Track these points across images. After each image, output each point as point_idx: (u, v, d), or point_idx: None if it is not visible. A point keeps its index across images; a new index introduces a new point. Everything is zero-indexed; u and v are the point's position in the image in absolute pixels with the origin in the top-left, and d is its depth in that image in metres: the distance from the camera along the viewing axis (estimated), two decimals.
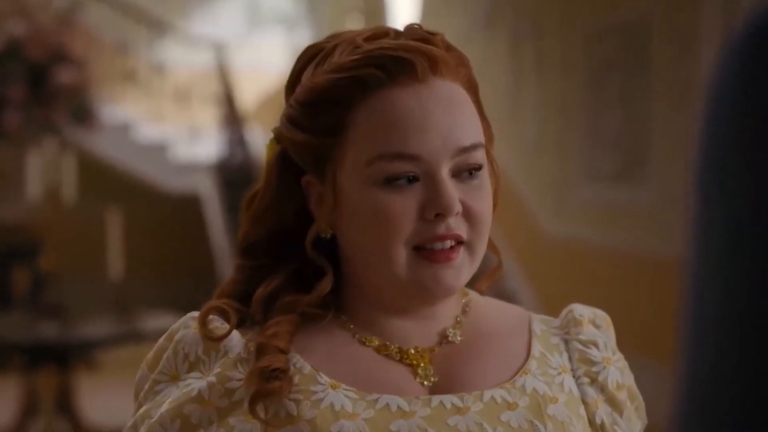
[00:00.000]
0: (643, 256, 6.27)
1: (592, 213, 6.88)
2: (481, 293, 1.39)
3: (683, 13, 6.01)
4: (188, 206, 9.46)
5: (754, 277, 0.61)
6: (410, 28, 1.29)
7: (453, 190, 1.24)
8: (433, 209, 1.23)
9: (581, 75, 6.99)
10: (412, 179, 1.23)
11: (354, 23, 10.94)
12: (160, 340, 1.32)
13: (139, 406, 1.31)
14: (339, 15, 11.24)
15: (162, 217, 9.82)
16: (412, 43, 1.25)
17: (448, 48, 1.29)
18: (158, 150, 9.53)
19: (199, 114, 9.74)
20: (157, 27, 9.92)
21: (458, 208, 1.24)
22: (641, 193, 6.32)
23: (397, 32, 1.28)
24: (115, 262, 6.19)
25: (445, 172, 1.24)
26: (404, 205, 1.23)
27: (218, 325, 1.29)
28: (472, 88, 1.30)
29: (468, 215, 1.25)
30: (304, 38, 11.13)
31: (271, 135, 1.33)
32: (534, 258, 7.18)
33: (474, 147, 1.25)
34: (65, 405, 6.05)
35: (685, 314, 0.67)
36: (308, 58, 1.30)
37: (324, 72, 1.26)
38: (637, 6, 6.46)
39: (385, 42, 1.26)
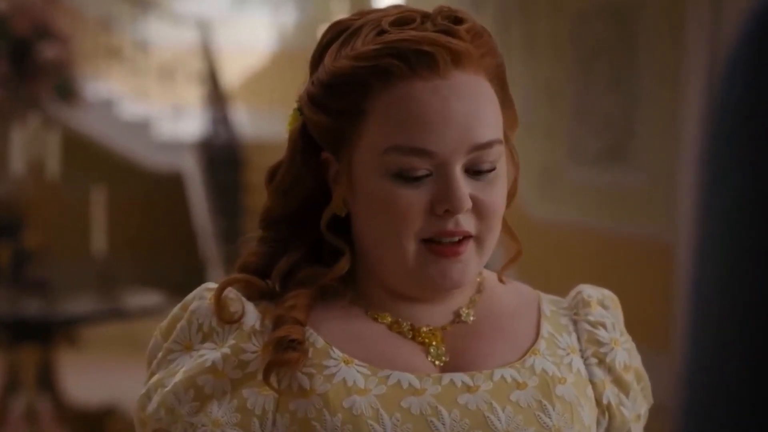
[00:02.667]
0: (631, 239, 6.28)
1: (579, 195, 6.89)
2: (502, 281, 1.39)
3: None
4: (172, 184, 9.43)
5: (757, 268, 0.61)
6: (439, 11, 1.27)
7: (464, 187, 1.24)
8: (443, 205, 1.24)
9: (569, 56, 6.99)
10: (424, 175, 1.24)
11: (340, 2, 10.90)
12: (175, 309, 1.33)
13: (152, 374, 1.31)
14: None
15: (145, 194, 9.79)
16: (435, 35, 1.24)
17: (476, 36, 1.27)
18: (142, 127, 9.50)
19: (183, 92, 9.70)
20: (141, 4, 9.87)
21: (468, 205, 1.24)
22: (629, 176, 6.33)
23: (424, 17, 1.27)
24: (99, 239, 6.17)
25: (458, 168, 1.24)
26: (415, 199, 1.24)
27: (234, 298, 1.29)
28: (499, 76, 1.30)
29: (478, 210, 1.26)
30: (289, 18, 11.09)
31: (294, 107, 1.33)
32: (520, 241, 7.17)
33: (490, 144, 1.26)
34: (47, 382, 6.04)
35: (687, 302, 0.67)
36: (334, 35, 1.29)
37: (347, 57, 1.26)
38: None
39: (409, 32, 1.24)
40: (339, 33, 1.29)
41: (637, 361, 1.39)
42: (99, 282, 6.12)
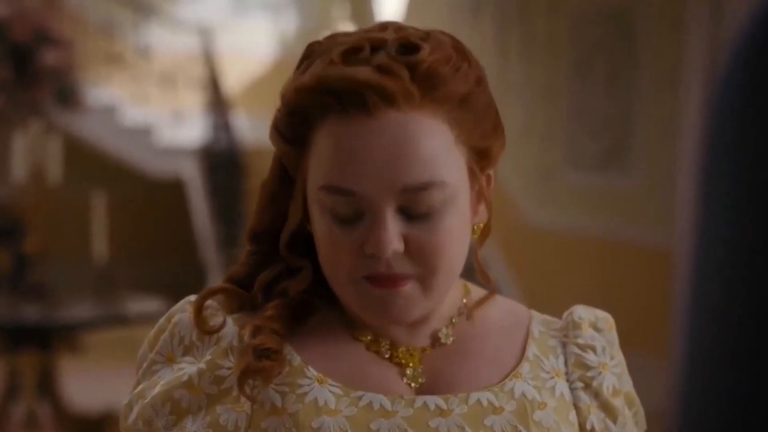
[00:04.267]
0: (628, 242, 6.27)
1: (576, 199, 6.88)
2: (469, 320, 1.35)
3: None
4: (172, 190, 9.44)
5: (756, 269, 0.60)
6: (396, 40, 1.23)
7: (390, 231, 1.21)
8: (368, 248, 1.22)
9: (567, 60, 6.99)
10: (357, 214, 1.22)
11: (341, 9, 10.91)
12: (161, 319, 1.33)
13: (137, 384, 1.32)
14: (326, 1, 11.22)
15: (146, 200, 9.79)
16: (368, 76, 1.20)
17: (429, 71, 1.21)
18: (143, 133, 9.50)
19: (184, 98, 9.71)
20: (143, 9, 9.88)
21: (392, 248, 1.21)
22: (627, 179, 6.33)
23: (376, 46, 1.23)
24: (99, 245, 6.17)
25: (388, 209, 1.21)
26: (347, 240, 1.23)
27: (213, 311, 1.30)
28: (466, 106, 1.24)
29: (414, 251, 1.23)
30: (290, 24, 11.11)
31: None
32: (516, 246, 7.17)
33: (425, 186, 1.21)
34: (47, 387, 6.04)
35: (685, 304, 0.66)
36: (302, 57, 1.29)
37: (293, 87, 1.25)
38: None
39: (345, 70, 1.21)
40: (305, 57, 1.29)
41: (628, 385, 1.36)
42: (99, 287, 6.12)
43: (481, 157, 1.27)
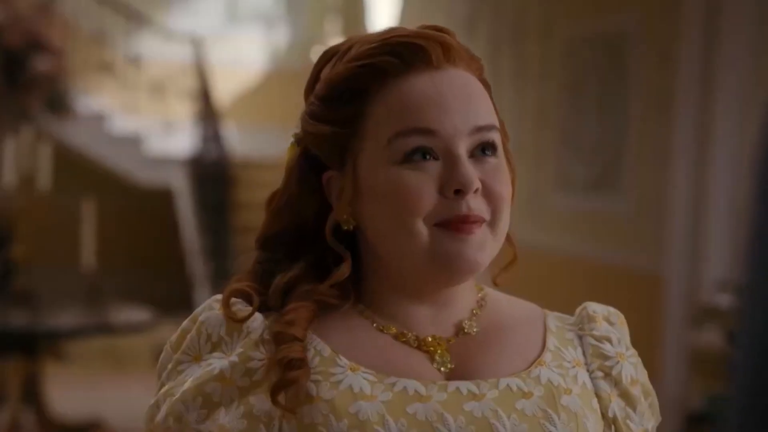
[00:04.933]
0: (618, 267, 6.28)
1: (566, 223, 6.89)
2: (497, 286, 1.41)
3: (662, 24, 6.04)
4: (161, 200, 9.43)
5: None
6: (423, 25, 1.33)
7: (471, 167, 1.27)
8: (452, 185, 1.26)
9: (559, 82, 7.01)
10: (430, 156, 1.27)
11: (333, 23, 10.93)
12: (185, 322, 1.35)
13: (162, 386, 1.33)
14: (318, 14, 11.23)
15: (135, 209, 9.79)
16: (426, 31, 1.30)
17: (460, 44, 1.33)
18: (132, 142, 9.49)
19: (175, 108, 9.71)
20: (135, 19, 9.88)
21: (477, 184, 1.26)
22: (617, 203, 6.34)
23: (411, 29, 1.32)
24: (87, 253, 6.16)
25: (462, 149, 1.27)
26: (423, 180, 1.26)
27: (241, 307, 1.31)
28: (485, 84, 1.34)
29: (487, 194, 1.28)
30: (282, 36, 11.11)
31: (292, 139, 1.37)
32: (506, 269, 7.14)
33: (489, 127, 1.29)
34: (32, 395, 6.01)
35: (739, 331, 0.66)
36: (326, 60, 1.35)
37: (343, 64, 1.30)
38: (616, 16, 6.49)
39: (401, 31, 1.30)
40: (331, 56, 1.34)
41: (643, 376, 1.40)
42: (86, 296, 6.11)
43: (501, 134, 1.34)
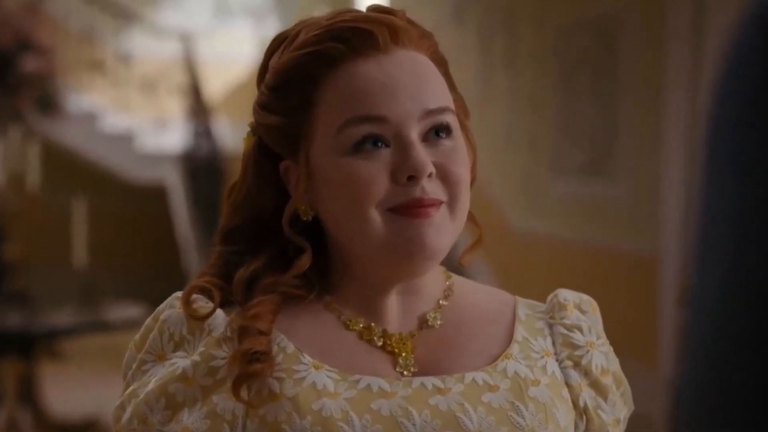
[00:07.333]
0: (614, 251, 6.28)
1: (562, 208, 6.89)
2: (463, 267, 1.38)
3: (652, 9, 6.04)
4: (154, 197, 9.42)
5: (759, 273, 0.59)
6: (371, 6, 1.31)
7: (423, 152, 1.24)
8: (405, 172, 1.23)
9: (551, 69, 7.01)
10: (381, 144, 1.24)
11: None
12: (147, 320, 1.33)
13: (127, 386, 1.31)
14: (307, 7, 11.22)
15: (127, 207, 9.77)
16: (371, 14, 1.28)
17: (410, 22, 1.30)
18: (124, 140, 9.49)
19: (166, 104, 9.69)
20: (124, 16, 9.86)
21: (430, 168, 1.24)
22: (612, 188, 6.34)
23: (358, 10, 1.30)
24: (80, 252, 6.16)
25: (414, 135, 1.24)
26: (375, 169, 1.24)
27: (202, 304, 1.29)
28: (440, 61, 1.32)
29: (443, 177, 1.26)
30: (272, 30, 11.10)
31: (248, 129, 1.35)
32: (502, 254, 7.18)
33: (441, 110, 1.27)
34: (28, 394, 6.01)
35: (687, 308, 0.65)
36: (275, 46, 1.32)
37: (289, 53, 1.28)
38: (606, 1, 6.48)
39: (346, 15, 1.27)
40: (280, 43, 1.32)
41: (615, 365, 1.38)
42: (80, 294, 6.11)
43: (459, 110, 1.32)
